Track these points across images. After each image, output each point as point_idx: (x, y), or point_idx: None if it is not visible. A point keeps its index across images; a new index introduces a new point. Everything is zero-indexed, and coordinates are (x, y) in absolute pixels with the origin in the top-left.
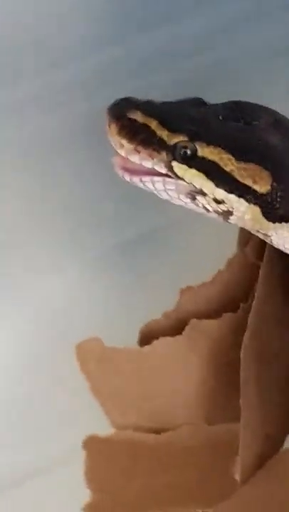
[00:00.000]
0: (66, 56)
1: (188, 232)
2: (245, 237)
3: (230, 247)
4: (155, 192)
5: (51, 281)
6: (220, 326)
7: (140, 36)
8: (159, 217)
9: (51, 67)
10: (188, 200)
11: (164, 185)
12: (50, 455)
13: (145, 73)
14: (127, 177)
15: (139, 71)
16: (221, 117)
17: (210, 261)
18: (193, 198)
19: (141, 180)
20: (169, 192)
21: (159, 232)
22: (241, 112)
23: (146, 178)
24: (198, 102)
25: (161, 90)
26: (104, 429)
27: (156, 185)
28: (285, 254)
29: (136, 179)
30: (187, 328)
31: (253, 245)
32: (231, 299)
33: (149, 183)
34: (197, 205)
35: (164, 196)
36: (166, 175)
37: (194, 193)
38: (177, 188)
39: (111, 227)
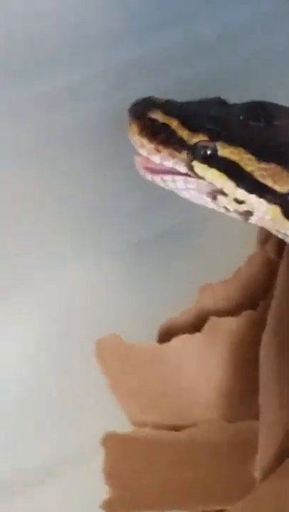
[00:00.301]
0: (79, 56)
1: (207, 229)
2: (265, 234)
3: (250, 245)
4: (176, 191)
5: (70, 279)
6: (239, 324)
7: (154, 36)
8: (177, 215)
9: (65, 65)
10: (209, 200)
11: (185, 184)
12: (69, 452)
13: (160, 74)
14: (149, 176)
15: (153, 72)
16: (241, 117)
17: (229, 258)
18: (214, 198)
19: (162, 179)
20: (191, 191)
21: (178, 230)
22: (262, 111)
23: (168, 177)
24: (219, 102)
25: (177, 91)
26: (123, 426)
27: (178, 184)
28: None
29: (157, 178)
30: (206, 325)
31: (273, 243)
32: (250, 297)
33: (170, 182)
34: (218, 205)
35: (185, 195)
36: (186, 174)
37: (215, 193)
38: (198, 187)
39: (130, 224)
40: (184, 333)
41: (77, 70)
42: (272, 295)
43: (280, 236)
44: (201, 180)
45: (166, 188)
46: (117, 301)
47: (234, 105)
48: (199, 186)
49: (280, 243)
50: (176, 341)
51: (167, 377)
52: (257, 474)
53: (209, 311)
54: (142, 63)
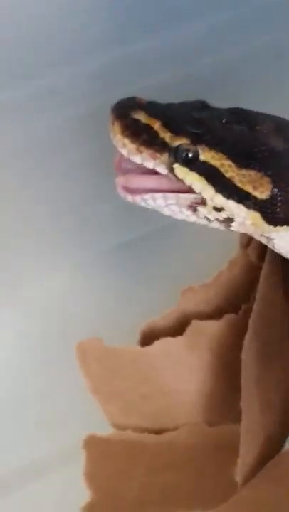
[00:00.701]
0: (66, 57)
1: (189, 232)
2: (247, 238)
3: (231, 248)
4: (158, 209)
5: (51, 281)
6: (221, 327)
7: (143, 37)
8: (159, 218)
9: (52, 67)
10: (189, 213)
11: (165, 201)
12: (50, 455)
13: (147, 74)
14: (129, 197)
15: (141, 72)
16: (224, 121)
17: (211, 262)
18: (195, 210)
19: (142, 199)
20: (171, 207)
21: (159, 233)
22: (244, 116)
23: (147, 196)
24: (202, 105)
25: (163, 92)
26: (104, 429)
27: (158, 202)
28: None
29: (138, 198)
30: (188, 328)
31: (255, 246)
32: (232, 300)
33: (150, 201)
34: (198, 217)
35: (166, 212)
36: (165, 190)
37: (195, 205)
38: (178, 201)
39: (111, 227)
40: (165, 336)
41: (60, 72)
42: (254, 299)
43: (263, 241)
44: (180, 194)
45: (148, 207)
46: (99, 304)
47: (216, 109)
48: (179, 200)
49: (262, 247)
50: (158, 344)
51: (149, 381)
52: (238, 478)
53: (191, 315)
54: (127, 65)
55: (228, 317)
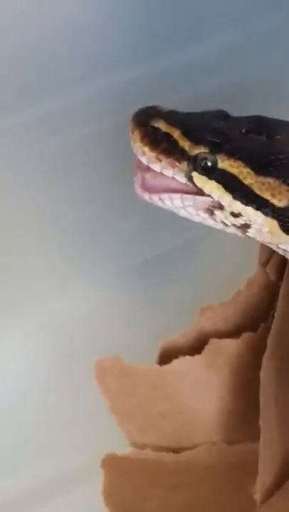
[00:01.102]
0: (76, 77)
1: (207, 250)
2: (266, 256)
3: (250, 267)
4: (174, 210)
5: (71, 300)
6: (239, 346)
7: (161, 54)
8: (177, 236)
9: (70, 83)
10: (206, 216)
11: (182, 202)
12: (69, 473)
13: (166, 91)
14: (146, 196)
15: (160, 89)
16: (243, 130)
17: (230, 280)
18: (212, 213)
19: (160, 198)
20: (188, 208)
21: (177, 252)
22: (264, 125)
23: (165, 196)
24: (222, 114)
25: (184, 108)
26: (123, 447)
27: (175, 202)
28: None
29: (155, 197)
30: (206, 347)
31: (274, 264)
32: (251, 319)
33: (167, 201)
34: (215, 220)
35: (183, 213)
36: (184, 190)
37: (212, 208)
38: (195, 203)
39: (129, 246)
40: (184, 354)
41: (73, 92)
42: (273, 317)
43: (280, 252)
44: (197, 196)
45: (164, 207)
46: (118, 322)
47: (236, 118)
48: (196, 203)
49: (281, 265)
50: (177, 363)
51: (167, 399)
52: (257, 497)
53: (209, 333)
54: (141, 85)
55: (247, 335)
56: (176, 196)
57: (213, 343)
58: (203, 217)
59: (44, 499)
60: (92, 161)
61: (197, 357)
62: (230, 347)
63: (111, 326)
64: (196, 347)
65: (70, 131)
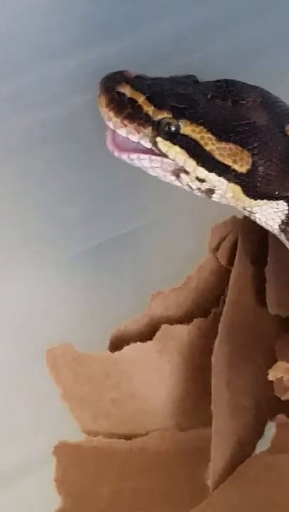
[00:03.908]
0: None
1: (158, 236)
2: (216, 241)
3: (202, 253)
4: (143, 169)
5: (20, 287)
6: (191, 332)
7: (135, 29)
8: (128, 221)
9: (41, 61)
10: (173, 178)
11: (150, 163)
12: (20, 461)
13: (140, 68)
14: (116, 153)
15: (134, 65)
16: (209, 96)
17: (181, 266)
18: (178, 176)
19: (129, 157)
20: (156, 169)
21: (128, 237)
22: (230, 90)
23: (134, 155)
24: (191, 80)
25: None
26: (75, 435)
27: (143, 162)
28: (256, 258)
29: (124, 155)
30: (158, 333)
31: (224, 249)
32: (202, 304)
33: (136, 160)
34: (182, 183)
35: (152, 173)
36: (152, 150)
37: (178, 171)
38: (162, 165)
39: (80, 231)
40: (135, 341)
41: (45, 69)
42: (224, 302)
43: (246, 213)
44: (164, 159)
45: (134, 165)
46: (68, 310)
47: (204, 83)
48: (163, 165)
49: (232, 250)
50: (128, 349)
51: (119, 386)
52: (209, 482)
53: (160, 319)
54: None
55: (198, 321)
56: (145, 157)
57: (165, 329)
58: (170, 179)
59: None
60: (40, 146)
61: (148, 343)
62: (182, 333)
63: (61, 313)
64: (148, 333)
65: (25, 115)
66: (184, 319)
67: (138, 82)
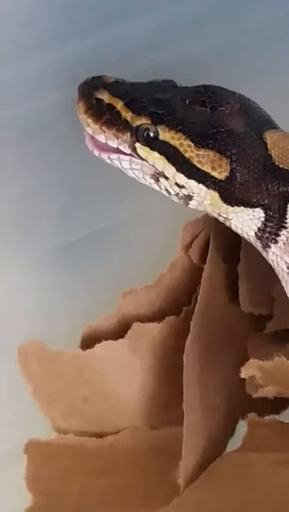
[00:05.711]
0: (34, 47)
1: (130, 234)
2: (189, 239)
3: (174, 251)
4: (123, 170)
5: None
6: (162, 330)
7: (112, 26)
8: (101, 220)
9: (18, 56)
10: (152, 181)
11: (130, 165)
12: None
13: (119, 62)
14: (96, 152)
15: (112, 60)
16: (187, 101)
17: (153, 264)
18: (157, 180)
19: (109, 157)
20: (135, 171)
21: (100, 235)
22: (209, 96)
23: (114, 156)
24: (169, 85)
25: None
26: (46, 433)
27: (123, 164)
28: (228, 256)
29: (104, 155)
30: (129, 331)
31: (196, 248)
32: (174, 302)
33: (116, 161)
34: (160, 187)
35: (131, 174)
36: (131, 155)
37: (158, 175)
38: (142, 168)
39: (53, 228)
40: (107, 338)
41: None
42: (196, 300)
43: (221, 220)
44: (144, 162)
45: (113, 165)
46: (40, 307)
47: (183, 88)
48: (143, 168)
49: (204, 248)
50: (100, 347)
51: (90, 383)
52: (181, 481)
53: (132, 317)
54: (92, 57)
55: (170, 319)
56: (126, 158)
57: (136, 326)
58: (149, 182)
59: None
60: (13, 143)
61: (120, 341)
62: (154, 331)
63: (33, 311)
64: (119, 331)
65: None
66: (155, 317)
67: (116, 88)
